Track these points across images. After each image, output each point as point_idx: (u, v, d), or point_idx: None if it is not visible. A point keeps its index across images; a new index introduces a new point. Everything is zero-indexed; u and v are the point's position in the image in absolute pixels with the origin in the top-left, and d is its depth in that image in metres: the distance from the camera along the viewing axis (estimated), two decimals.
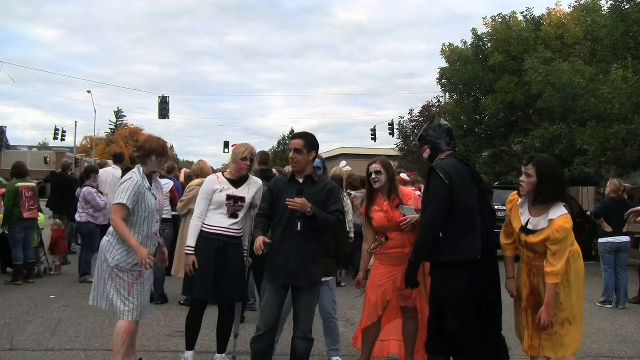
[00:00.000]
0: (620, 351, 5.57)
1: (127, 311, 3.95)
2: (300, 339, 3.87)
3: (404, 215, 4.12)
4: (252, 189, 4.45)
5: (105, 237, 4.06)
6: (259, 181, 4.58)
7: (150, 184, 4.08)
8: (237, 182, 4.42)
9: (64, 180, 11.19)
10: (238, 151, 4.43)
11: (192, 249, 4.27)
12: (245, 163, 4.40)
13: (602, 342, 5.70)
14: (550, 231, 3.44)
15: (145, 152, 4.06)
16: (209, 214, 4.34)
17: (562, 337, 3.52)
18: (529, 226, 3.56)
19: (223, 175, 4.48)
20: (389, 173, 4.27)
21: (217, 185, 4.37)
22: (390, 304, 4.25)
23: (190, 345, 4.45)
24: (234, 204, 4.33)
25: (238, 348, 4.82)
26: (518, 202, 3.68)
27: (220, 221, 4.31)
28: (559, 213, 3.47)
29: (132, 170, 4.13)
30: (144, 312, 4.15)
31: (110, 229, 4.03)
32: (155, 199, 4.08)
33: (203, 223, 4.32)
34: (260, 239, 3.74)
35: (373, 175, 4.25)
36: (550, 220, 3.46)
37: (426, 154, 3.99)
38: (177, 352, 4.89)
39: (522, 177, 3.60)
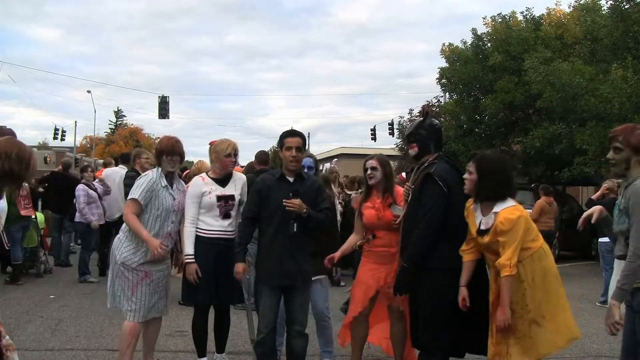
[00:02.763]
0: (620, 351, 5.55)
1: (130, 311, 3.90)
2: (296, 337, 3.87)
3: (396, 215, 4.06)
4: (238, 185, 4.35)
5: (117, 235, 4.08)
6: (243, 176, 4.50)
7: (171, 185, 4.05)
8: (223, 180, 4.30)
9: (65, 180, 10.78)
10: (220, 148, 4.28)
11: (193, 256, 4.12)
12: (231, 159, 4.29)
13: (602, 342, 5.69)
14: (496, 224, 3.36)
15: (157, 153, 4.07)
16: (201, 218, 4.20)
17: (532, 338, 3.39)
18: (482, 227, 3.47)
19: (208, 176, 4.35)
20: (385, 170, 4.21)
21: (204, 187, 4.22)
22: (379, 304, 4.22)
23: (202, 353, 4.37)
24: (225, 204, 4.23)
25: (238, 348, 4.82)
26: (472, 207, 3.57)
27: (215, 224, 4.20)
28: (504, 206, 3.39)
29: (152, 169, 4.16)
30: (152, 314, 4.06)
31: (123, 226, 4.03)
32: (174, 199, 4.02)
33: (198, 228, 4.20)
34: (240, 269, 3.87)
35: (369, 171, 4.20)
36: (495, 214, 3.39)
37: (413, 151, 3.96)
38: (177, 352, 4.89)
39: (465, 175, 3.55)
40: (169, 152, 4.03)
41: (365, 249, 4.22)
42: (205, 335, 4.41)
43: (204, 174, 4.42)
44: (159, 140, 4.29)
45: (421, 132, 3.92)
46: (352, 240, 4.32)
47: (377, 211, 4.14)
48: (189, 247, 4.16)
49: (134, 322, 3.91)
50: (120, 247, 3.95)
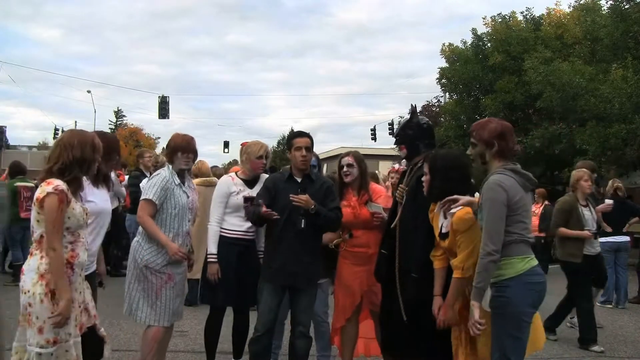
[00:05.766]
0: (620, 351, 5.56)
1: (155, 316, 3.79)
2: (300, 339, 3.85)
3: (374, 213, 3.96)
4: None
5: (135, 239, 3.96)
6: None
7: (183, 182, 3.96)
8: (251, 182, 4.25)
9: None
10: (252, 150, 4.24)
11: (215, 256, 4.07)
12: (262, 162, 4.24)
13: (602, 342, 5.69)
14: (452, 225, 3.16)
15: (171, 150, 3.98)
16: (226, 218, 4.15)
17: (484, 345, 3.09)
18: (443, 229, 3.27)
19: (237, 176, 4.31)
20: (361, 167, 4.12)
21: (233, 188, 4.18)
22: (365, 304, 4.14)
23: (211, 354, 4.32)
24: (251, 206, 4.12)
25: None
26: (436, 210, 3.33)
27: (238, 225, 4.14)
28: (461, 207, 3.16)
29: (162, 167, 4.05)
30: (175, 318, 3.97)
31: (139, 229, 3.94)
32: (188, 197, 3.95)
33: (221, 228, 4.16)
34: (264, 210, 3.70)
35: (345, 169, 4.10)
36: (451, 215, 3.18)
37: (403, 153, 3.85)
38: (177, 352, 4.90)
39: (423, 177, 3.40)
40: (184, 149, 3.95)
41: (341, 248, 4.13)
42: (217, 339, 4.34)
43: (233, 174, 4.38)
44: (170, 138, 4.14)
45: (408, 132, 3.79)
46: (327, 238, 4.14)
47: (353, 209, 4.05)
48: (212, 247, 4.10)
49: (158, 327, 3.81)
50: (140, 250, 3.82)
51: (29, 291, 2.83)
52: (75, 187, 2.94)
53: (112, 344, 4.90)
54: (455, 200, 3.14)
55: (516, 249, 2.86)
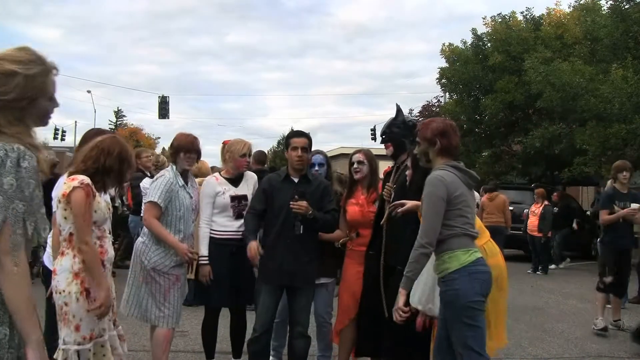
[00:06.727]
0: (620, 351, 5.56)
1: (163, 318, 3.77)
2: (298, 339, 3.85)
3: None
4: (250, 184, 4.28)
5: (139, 239, 3.91)
6: (254, 175, 4.42)
7: (186, 183, 3.94)
8: (235, 180, 4.25)
9: (53, 181, 10.49)
10: (236, 148, 4.22)
11: (207, 258, 4.05)
12: (245, 159, 4.23)
13: (602, 342, 5.69)
14: None
15: (174, 150, 3.94)
16: (214, 219, 4.14)
17: None
18: None
19: (221, 175, 4.30)
20: (371, 165, 4.12)
21: (218, 188, 4.16)
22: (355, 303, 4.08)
23: (210, 354, 4.31)
24: (238, 205, 4.16)
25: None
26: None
27: (228, 225, 4.13)
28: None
29: (166, 168, 4.04)
30: (179, 319, 3.96)
31: (145, 229, 3.90)
32: (191, 197, 3.94)
33: (210, 229, 4.14)
34: (254, 246, 3.73)
35: (355, 166, 4.09)
36: None
37: (389, 151, 3.87)
38: (177, 352, 4.89)
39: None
40: (187, 149, 3.93)
41: (348, 247, 4.12)
42: (215, 337, 4.34)
43: (217, 174, 4.38)
44: (174, 137, 4.08)
45: (394, 131, 3.82)
46: (335, 236, 4.13)
47: (361, 208, 4.04)
48: (203, 249, 4.08)
49: (168, 329, 3.79)
50: (148, 252, 3.78)
51: (64, 291, 2.81)
52: (99, 186, 2.96)
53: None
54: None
55: (458, 242, 2.91)
